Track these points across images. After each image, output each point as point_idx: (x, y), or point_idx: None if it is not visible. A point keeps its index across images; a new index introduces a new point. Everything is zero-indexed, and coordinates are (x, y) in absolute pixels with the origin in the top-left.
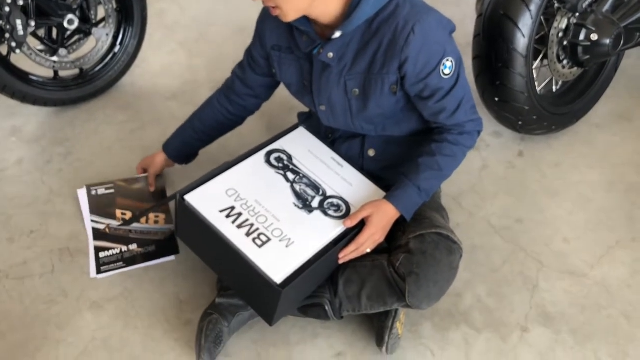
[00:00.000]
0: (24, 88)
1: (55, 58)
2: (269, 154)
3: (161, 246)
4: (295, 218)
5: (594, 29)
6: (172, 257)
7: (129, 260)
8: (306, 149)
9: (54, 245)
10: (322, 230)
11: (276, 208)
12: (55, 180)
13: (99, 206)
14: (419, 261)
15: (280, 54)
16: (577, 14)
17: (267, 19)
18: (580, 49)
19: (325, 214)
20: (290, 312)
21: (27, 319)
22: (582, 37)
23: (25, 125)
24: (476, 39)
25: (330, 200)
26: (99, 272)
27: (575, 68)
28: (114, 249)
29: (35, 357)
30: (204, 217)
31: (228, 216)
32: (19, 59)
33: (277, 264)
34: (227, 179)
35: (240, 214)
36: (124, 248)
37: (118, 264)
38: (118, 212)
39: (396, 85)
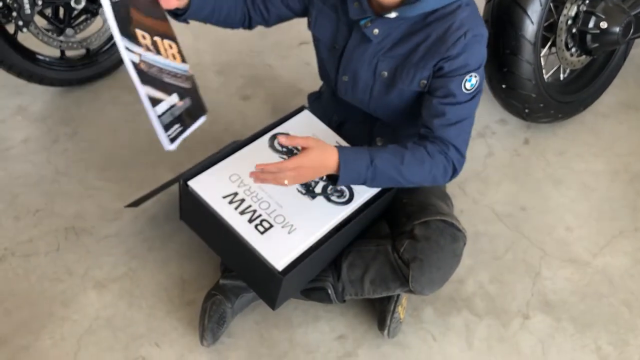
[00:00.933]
0: (31, 67)
1: (61, 37)
2: (272, 137)
3: (194, 101)
4: (298, 204)
5: (603, 16)
6: (204, 118)
7: (182, 120)
8: (310, 133)
9: (60, 224)
10: (325, 216)
11: (279, 194)
12: (61, 160)
13: (122, 22)
14: (423, 247)
15: (323, 6)
16: (587, 2)
17: None
18: (589, 37)
19: (328, 199)
20: (292, 296)
21: (33, 296)
22: (591, 24)
23: (31, 105)
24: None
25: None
26: (172, 141)
27: (584, 56)
28: (162, 100)
29: (40, 334)
30: (207, 203)
31: (231, 202)
32: (25, 38)
33: (279, 250)
34: (231, 164)
35: (243, 200)
36: (171, 100)
37: (176, 126)
38: (138, 34)
39: (427, 80)
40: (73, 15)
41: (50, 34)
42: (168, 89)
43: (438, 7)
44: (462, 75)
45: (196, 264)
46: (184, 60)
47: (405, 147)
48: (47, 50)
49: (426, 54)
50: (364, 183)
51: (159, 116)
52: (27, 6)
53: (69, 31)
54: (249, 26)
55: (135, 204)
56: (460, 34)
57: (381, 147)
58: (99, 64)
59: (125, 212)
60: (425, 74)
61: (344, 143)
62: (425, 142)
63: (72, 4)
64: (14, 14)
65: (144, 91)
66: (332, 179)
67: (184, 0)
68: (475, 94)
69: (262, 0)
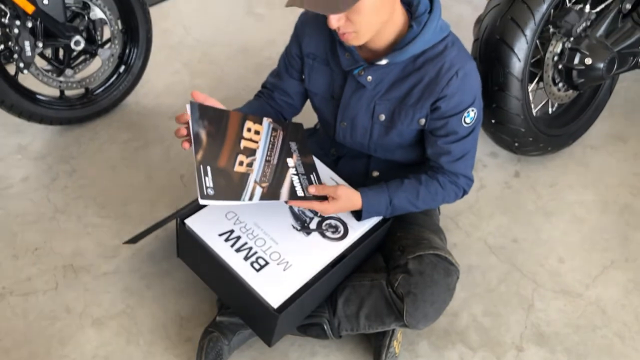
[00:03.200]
0: (31, 107)
1: (61, 78)
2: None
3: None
4: (293, 240)
5: (588, 53)
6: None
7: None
8: None
9: (58, 262)
10: (320, 253)
11: (274, 230)
12: (60, 198)
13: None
14: (417, 282)
15: (313, 62)
16: (572, 39)
17: (307, 25)
18: (575, 73)
19: (323, 235)
20: (289, 332)
21: (31, 335)
22: (576, 61)
23: (31, 143)
24: None
25: (328, 222)
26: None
27: (571, 91)
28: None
29: None
30: (204, 242)
31: (227, 240)
32: (25, 78)
33: (274, 288)
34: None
35: (239, 237)
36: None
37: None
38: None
39: (425, 118)
40: (72, 56)
41: (50, 74)
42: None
43: (425, 48)
44: (461, 112)
45: (194, 300)
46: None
47: (419, 182)
48: (46, 90)
49: (422, 96)
50: (383, 216)
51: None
52: (28, 48)
53: (68, 72)
54: (286, 118)
55: (133, 240)
56: (451, 73)
57: (398, 184)
58: (97, 102)
59: (123, 249)
60: (423, 113)
61: (339, 179)
62: (437, 174)
63: (72, 45)
64: (15, 55)
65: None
66: (355, 214)
67: None
68: (475, 126)
69: (278, 92)
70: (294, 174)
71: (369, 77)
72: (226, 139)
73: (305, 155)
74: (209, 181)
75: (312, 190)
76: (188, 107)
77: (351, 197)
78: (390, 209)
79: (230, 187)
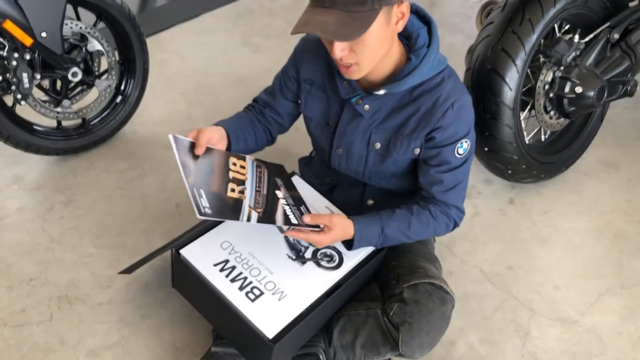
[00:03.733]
0: (28, 138)
1: (58, 109)
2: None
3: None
4: (288, 270)
5: (578, 82)
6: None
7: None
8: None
9: (53, 293)
10: (315, 282)
11: (269, 260)
12: (56, 228)
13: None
14: (412, 311)
15: (310, 88)
16: (562, 68)
17: (307, 51)
18: (565, 101)
19: (318, 264)
20: None
21: None
22: (567, 89)
23: (27, 174)
24: None
25: (323, 251)
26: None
27: (562, 119)
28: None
29: None
30: (199, 272)
31: (222, 270)
32: (23, 109)
33: (269, 318)
34: (222, 231)
35: (234, 267)
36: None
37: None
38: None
39: (419, 148)
40: (70, 87)
41: (47, 105)
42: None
43: (423, 80)
44: (454, 143)
45: (189, 331)
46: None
47: (411, 212)
48: (44, 120)
49: (418, 126)
50: (374, 246)
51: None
52: (26, 80)
53: (65, 102)
54: (272, 140)
55: (128, 270)
56: (447, 105)
57: (390, 214)
58: (94, 132)
59: (118, 280)
60: (418, 143)
61: (333, 208)
62: (428, 204)
63: (69, 77)
64: (13, 87)
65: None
66: (345, 243)
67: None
68: (467, 157)
69: (269, 109)
70: (285, 204)
71: (366, 106)
72: (214, 167)
73: (292, 190)
74: (204, 202)
75: (307, 219)
76: (171, 137)
77: (345, 226)
78: (382, 238)
79: (227, 208)
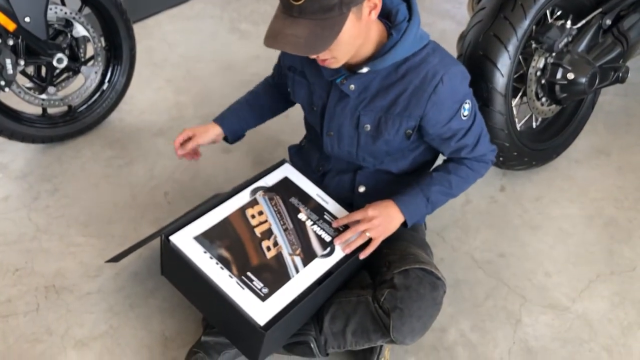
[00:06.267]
0: (12, 125)
1: (43, 96)
2: (254, 191)
3: None
4: None
5: (570, 68)
6: None
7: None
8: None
9: (40, 282)
10: (307, 270)
11: None
12: (42, 217)
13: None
14: (403, 296)
15: (294, 76)
16: (554, 54)
17: None
18: (557, 87)
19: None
20: (275, 351)
21: (11, 358)
22: (559, 76)
23: (12, 162)
24: None
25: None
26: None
27: (554, 105)
28: None
29: None
30: (189, 259)
31: (212, 257)
32: (7, 96)
33: (260, 305)
34: (212, 218)
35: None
36: None
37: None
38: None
39: (412, 130)
40: (55, 73)
41: (32, 92)
42: None
43: (406, 55)
44: (456, 113)
45: (178, 320)
46: None
47: (448, 172)
48: (28, 108)
49: (409, 104)
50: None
51: None
52: (9, 66)
53: (51, 89)
54: (292, 102)
55: (116, 259)
56: (437, 80)
57: (428, 181)
58: (80, 120)
59: (106, 269)
60: (411, 124)
61: (324, 195)
62: (462, 159)
63: (54, 63)
64: None
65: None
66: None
67: (219, 136)
68: (475, 111)
69: (279, 87)
70: (312, 224)
71: (352, 86)
72: (243, 239)
73: (309, 202)
74: (257, 283)
75: (335, 225)
76: (195, 242)
77: (388, 211)
78: (430, 206)
79: (277, 274)
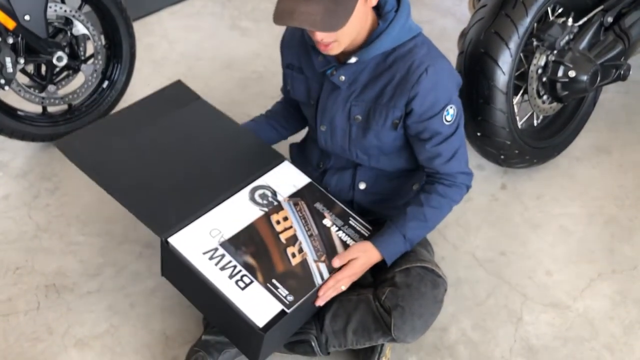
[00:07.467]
0: (12, 124)
1: (43, 94)
2: (253, 190)
3: None
4: None
5: (571, 66)
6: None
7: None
8: (291, 184)
9: (40, 281)
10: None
11: None
12: (42, 216)
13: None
14: (404, 294)
15: (292, 73)
16: (555, 52)
17: (285, 39)
18: (559, 85)
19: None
20: (276, 350)
21: (12, 357)
22: (560, 73)
23: (12, 160)
24: None
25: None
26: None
27: (555, 103)
28: None
29: None
30: (188, 260)
31: (211, 258)
32: (7, 95)
33: (259, 307)
34: (211, 219)
35: (223, 255)
36: None
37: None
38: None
39: (399, 120)
40: (55, 72)
41: (32, 90)
42: None
43: (393, 45)
44: (439, 113)
45: (179, 319)
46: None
47: (420, 204)
48: (29, 106)
49: (394, 94)
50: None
51: None
52: (9, 65)
53: (51, 87)
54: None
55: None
56: (421, 70)
57: (402, 217)
58: (80, 118)
59: (107, 268)
60: (397, 114)
61: (324, 192)
62: (434, 185)
63: (54, 61)
64: None
65: None
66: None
67: None
68: (458, 122)
69: (287, 110)
70: (337, 230)
71: (342, 77)
72: (268, 245)
73: (334, 207)
74: (282, 290)
75: (337, 263)
76: (220, 248)
77: (366, 252)
78: (407, 242)
79: (302, 282)
